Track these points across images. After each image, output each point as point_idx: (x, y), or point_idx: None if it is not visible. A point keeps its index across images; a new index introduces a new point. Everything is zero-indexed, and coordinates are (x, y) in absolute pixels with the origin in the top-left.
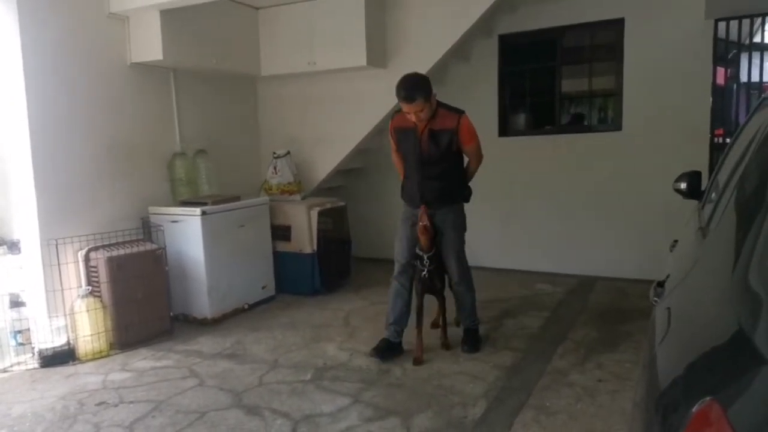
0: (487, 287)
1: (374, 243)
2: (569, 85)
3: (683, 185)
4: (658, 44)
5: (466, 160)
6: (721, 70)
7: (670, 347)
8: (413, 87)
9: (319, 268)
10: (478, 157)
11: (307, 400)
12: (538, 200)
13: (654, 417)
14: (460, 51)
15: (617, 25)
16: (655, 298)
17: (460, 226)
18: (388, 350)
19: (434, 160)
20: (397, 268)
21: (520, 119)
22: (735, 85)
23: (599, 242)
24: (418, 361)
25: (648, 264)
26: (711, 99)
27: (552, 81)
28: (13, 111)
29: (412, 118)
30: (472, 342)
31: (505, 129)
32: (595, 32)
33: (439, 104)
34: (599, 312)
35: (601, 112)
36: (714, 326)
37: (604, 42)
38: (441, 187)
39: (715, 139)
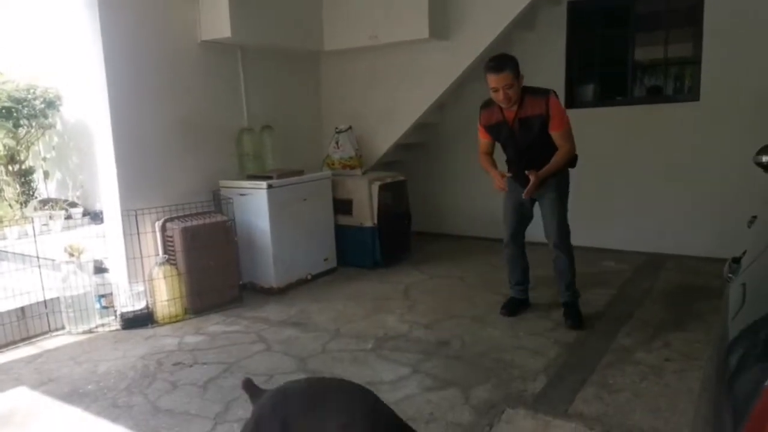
0: (551, 263)
1: (433, 218)
2: (643, 53)
3: (765, 158)
4: (740, 9)
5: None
6: None
7: (743, 322)
8: (502, 58)
9: (380, 241)
10: (568, 144)
11: (368, 368)
12: (605, 174)
13: (723, 392)
14: (525, 20)
15: None
16: (730, 275)
17: (563, 190)
18: (516, 306)
19: (531, 147)
20: (505, 238)
21: (589, 90)
22: None
23: (670, 219)
24: None
25: (723, 242)
26: None
27: (624, 50)
28: (95, 90)
29: (500, 96)
30: (575, 316)
31: (572, 100)
32: None
33: (525, 89)
34: (668, 291)
35: (677, 82)
36: None
37: (681, 7)
38: (543, 166)
39: None
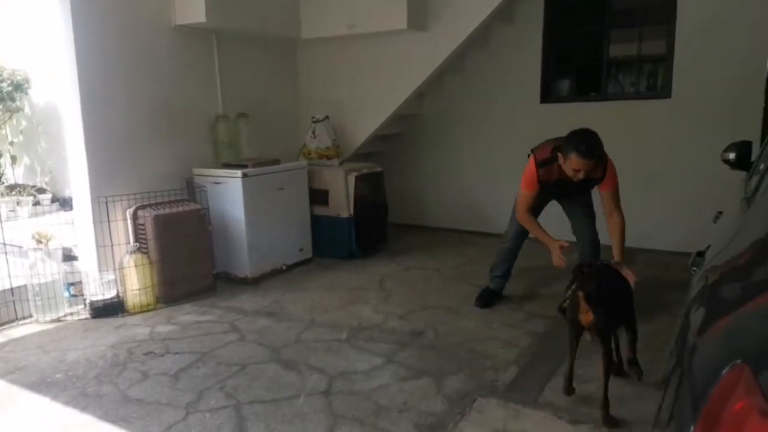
0: (523, 256)
1: (410, 209)
2: (617, 49)
3: (732, 155)
4: (712, 7)
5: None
6: None
7: (704, 313)
8: (596, 146)
9: (356, 232)
10: (618, 203)
11: (342, 358)
12: None
13: (684, 379)
14: (504, 12)
15: None
16: (694, 268)
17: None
18: (491, 297)
19: (577, 194)
20: (510, 233)
21: (564, 85)
22: None
23: (641, 213)
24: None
25: (693, 237)
26: (767, 66)
27: (599, 45)
28: (65, 74)
29: (579, 176)
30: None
31: (547, 95)
32: None
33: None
34: (639, 284)
35: (650, 79)
36: (749, 292)
37: (655, 4)
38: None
39: None
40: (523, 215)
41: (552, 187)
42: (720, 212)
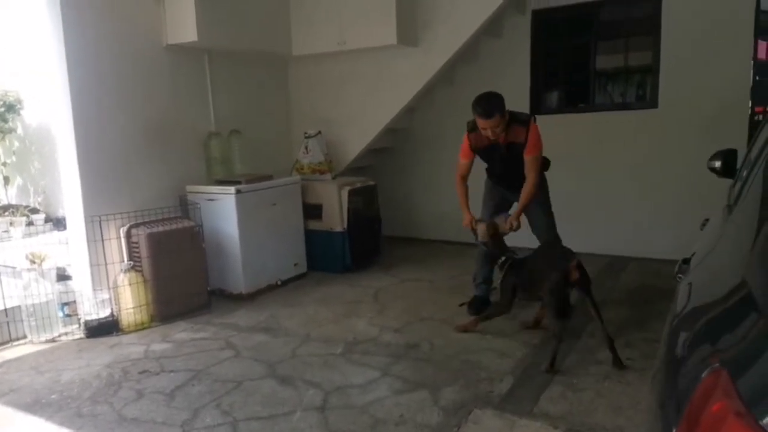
0: None
1: (403, 222)
2: (604, 61)
3: (717, 164)
4: (696, 18)
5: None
6: (763, 45)
7: (687, 319)
8: (491, 104)
9: (350, 246)
10: (536, 171)
11: (338, 373)
12: (568, 179)
13: (668, 384)
14: (492, 27)
15: None
16: (680, 275)
17: (544, 193)
18: (481, 305)
19: (518, 164)
20: None
21: (553, 97)
22: None
23: (632, 222)
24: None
25: (682, 244)
26: (752, 75)
27: (586, 58)
28: (57, 94)
29: (488, 134)
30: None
31: (537, 107)
32: (632, 6)
33: (511, 116)
34: (630, 292)
35: (638, 89)
36: (729, 298)
37: (641, 16)
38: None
39: (756, 117)
40: (458, 181)
41: (486, 152)
42: (707, 219)
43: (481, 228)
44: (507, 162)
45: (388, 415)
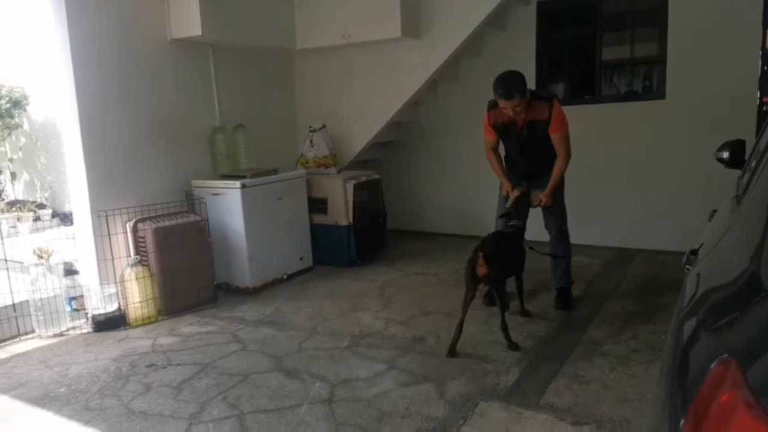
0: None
1: (409, 215)
2: (610, 53)
3: (725, 154)
4: (703, 8)
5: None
6: None
7: (695, 310)
8: (512, 85)
9: (355, 239)
10: (565, 148)
11: (344, 366)
12: (576, 171)
13: (676, 375)
14: (496, 19)
15: None
16: (688, 266)
17: (559, 186)
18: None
19: (536, 147)
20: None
21: (558, 89)
22: None
23: (639, 214)
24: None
25: (689, 236)
26: (760, 64)
27: (592, 49)
28: (63, 90)
29: (509, 113)
30: (565, 300)
31: None
32: None
33: (531, 94)
34: (637, 284)
35: (645, 81)
36: (738, 288)
37: (647, 7)
38: (545, 165)
39: (764, 108)
40: (488, 153)
41: (504, 129)
42: (715, 211)
43: (515, 194)
44: (527, 143)
45: (394, 408)
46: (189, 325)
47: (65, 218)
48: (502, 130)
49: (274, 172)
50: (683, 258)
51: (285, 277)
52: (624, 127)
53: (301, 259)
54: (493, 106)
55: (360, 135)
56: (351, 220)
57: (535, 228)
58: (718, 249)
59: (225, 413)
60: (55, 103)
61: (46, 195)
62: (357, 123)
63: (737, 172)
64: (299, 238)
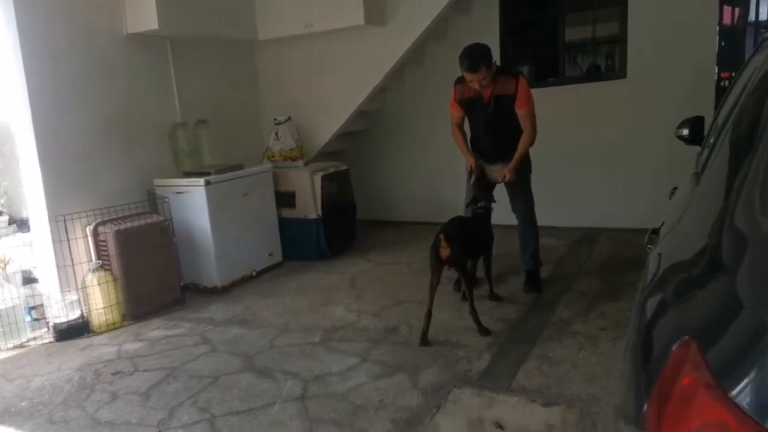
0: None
1: (379, 205)
2: (573, 33)
3: (685, 131)
4: None
5: None
6: (728, 10)
7: (656, 290)
8: (478, 57)
9: (325, 232)
10: (531, 124)
11: (317, 361)
12: (540, 153)
13: (640, 353)
14: (461, 3)
15: None
16: (649, 245)
17: (527, 167)
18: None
19: (502, 122)
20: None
21: (523, 72)
22: (744, 25)
23: (603, 193)
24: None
25: (653, 214)
26: (717, 40)
27: (555, 31)
28: (14, 91)
29: (476, 86)
30: (534, 283)
31: None
32: None
33: (498, 70)
34: (603, 263)
35: (607, 60)
36: (698, 265)
37: None
38: (510, 142)
39: (722, 83)
40: (453, 129)
41: (470, 104)
42: (675, 188)
43: (476, 173)
44: (492, 117)
45: (367, 401)
46: (156, 329)
47: (22, 225)
48: (469, 104)
49: (239, 167)
50: (645, 237)
51: (254, 273)
52: (587, 107)
53: (270, 254)
54: (460, 80)
55: (327, 126)
56: (320, 212)
57: (504, 211)
58: (677, 227)
59: (195, 418)
60: (6, 104)
61: (2, 201)
62: (323, 114)
63: (698, 149)
64: (267, 233)
